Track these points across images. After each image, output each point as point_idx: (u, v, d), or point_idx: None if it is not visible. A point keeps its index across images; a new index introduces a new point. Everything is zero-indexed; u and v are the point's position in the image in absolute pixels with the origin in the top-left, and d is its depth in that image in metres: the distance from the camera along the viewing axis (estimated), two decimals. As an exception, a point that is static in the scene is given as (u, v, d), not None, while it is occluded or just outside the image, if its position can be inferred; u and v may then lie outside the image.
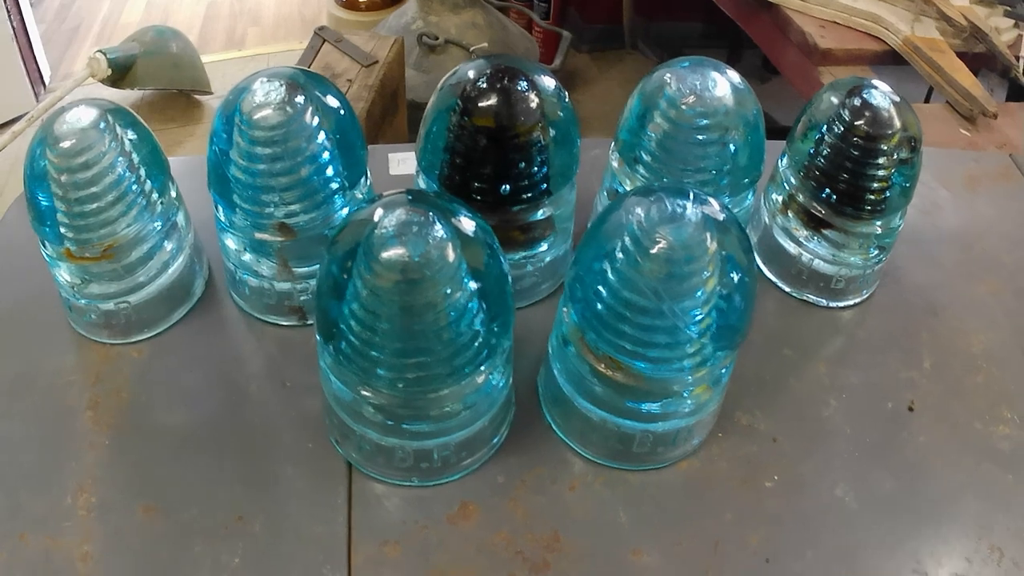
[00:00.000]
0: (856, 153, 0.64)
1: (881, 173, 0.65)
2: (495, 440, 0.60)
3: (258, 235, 0.61)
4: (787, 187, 0.68)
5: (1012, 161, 0.87)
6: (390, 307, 0.51)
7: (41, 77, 2.60)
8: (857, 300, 0.72)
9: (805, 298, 0.72)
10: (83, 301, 0.63)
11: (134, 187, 0.61)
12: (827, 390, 0.67)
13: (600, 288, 0.54)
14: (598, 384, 0.56)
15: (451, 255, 0.51)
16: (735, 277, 0.54)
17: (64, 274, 0.63)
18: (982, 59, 1.24)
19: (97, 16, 3.06)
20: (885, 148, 0.64)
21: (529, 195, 0.61)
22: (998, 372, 0.70)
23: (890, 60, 1.30)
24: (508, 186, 0.60)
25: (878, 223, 0.67)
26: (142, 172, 0.61)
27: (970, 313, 0.74)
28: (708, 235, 0.52)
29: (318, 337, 0.55)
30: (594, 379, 0.56)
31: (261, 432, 0.61)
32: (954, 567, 0.58)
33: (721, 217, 0.54)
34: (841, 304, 0.72)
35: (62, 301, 0.66)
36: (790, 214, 0.69)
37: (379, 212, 0.52)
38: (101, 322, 0.64)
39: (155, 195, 0.62)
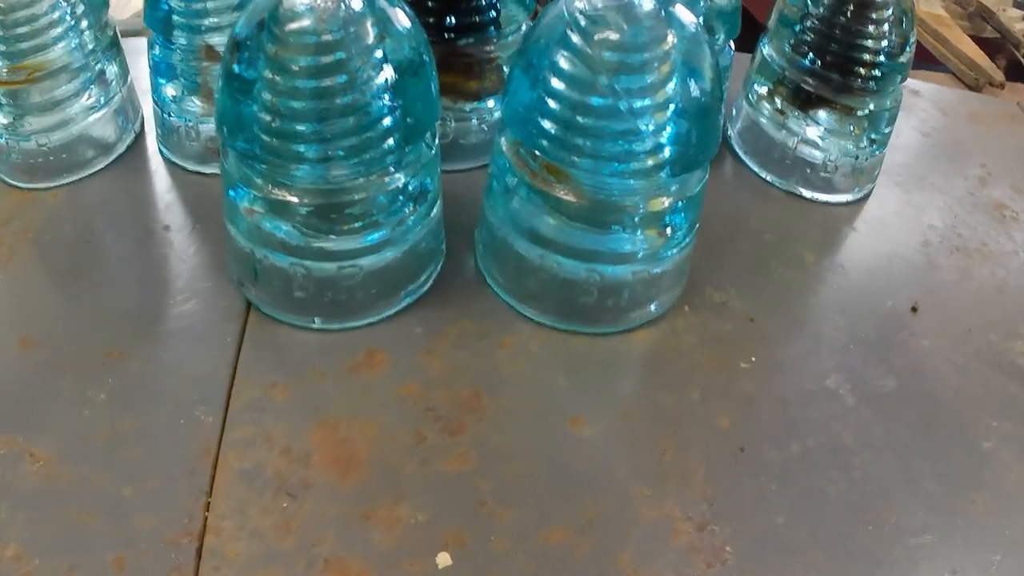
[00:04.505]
0: (844, 19, 0.51)
1: (870, 43, 0.51)
2: (413, 286, 0.45)
3: (192, 62, 0.50)
4: (775, 68, 0.55)
5: (1020, 108, 0.72)
6: (297, 79, 0.38)
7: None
8: (851, 198, 0.57)
9: (792, 190, 0.56)
10: (4, 139, 0.51)
11: (67, 18, 0.50)
12: (815, 278, 0.51)
13: (541, 93, 0.40)
14: (533, 207, 0.42)
15: (368, 28, 0.39)
16: (697, 88, 0.40)
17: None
18: (989, 46, 1.10)
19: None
20: (876, 16, 0.51)
21: (477, 31, 0.49)
22: (1014, 290, 0.54)
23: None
24: (454, 18, 0.48)
25: (871, 102, 0.53)
26: (79, 9, 0.51)
27: (982, 232, 0.57)
28: (667, 28, 0.39)
29: (223, 135, 0.42)
30: (529, 202, 0.42)
31: (160, 270, 0.48)
32: (962, 477, 0.42)
33: (686, 20, 0.41)
34: (832, 199, 0.56)
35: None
36: (777, 99, 0.55)
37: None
38: (21, 163, 0.52)
39: (87, 33, 0.51)
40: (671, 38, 0.40)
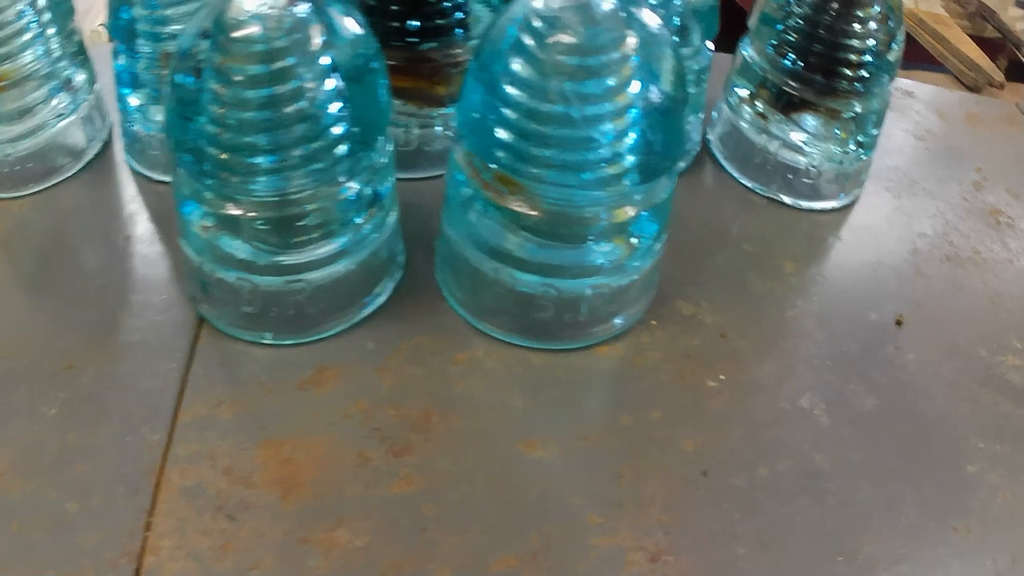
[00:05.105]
0: (829, 18, 0.47)
1: (856, 43, 0.47)
2: (368, 299, 0.42)
3: (155, 71, 0.47)
4: (757, 70, 0.51)
5: (1019, 110, 0.67)
6: (245, 89, 0.36)
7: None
8: (836, 204, 0.52)
9: (775, 197, 0.52)
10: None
11: (34, 26, 0.48)
12: (793, 290, 0.47)
13: (492, 100, 0.37)
14: (488, 219, 0.39)
15: (316, 33, 0.36)
16: (659, 93, 0.37)
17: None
18: (990, 46, 1.03)
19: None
20: (861, 15, 0.47)
21: (442, 34, 0.46)
22: (1007, 300, 0.50)
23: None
24: (417, 21, 0.45)
25: (857, 104, 0.49)
26: (45, 16, 0.49)
27: (975, 239, 0.53)
28: (626, 29, 0.36)
29: (171, 150, 0.39)
30: (485, 215, 0.39)
31: (117, 282, 0.45)
32: (946, 502, 0.38)
33: (648, 20, 0.38)
34: (816, 206, 0.52)
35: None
36: (759, 103, 0.51)
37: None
38: (-14, 173, 0.51)
39: (54, 40, 0.49)
40: (631, 40, 0.36)
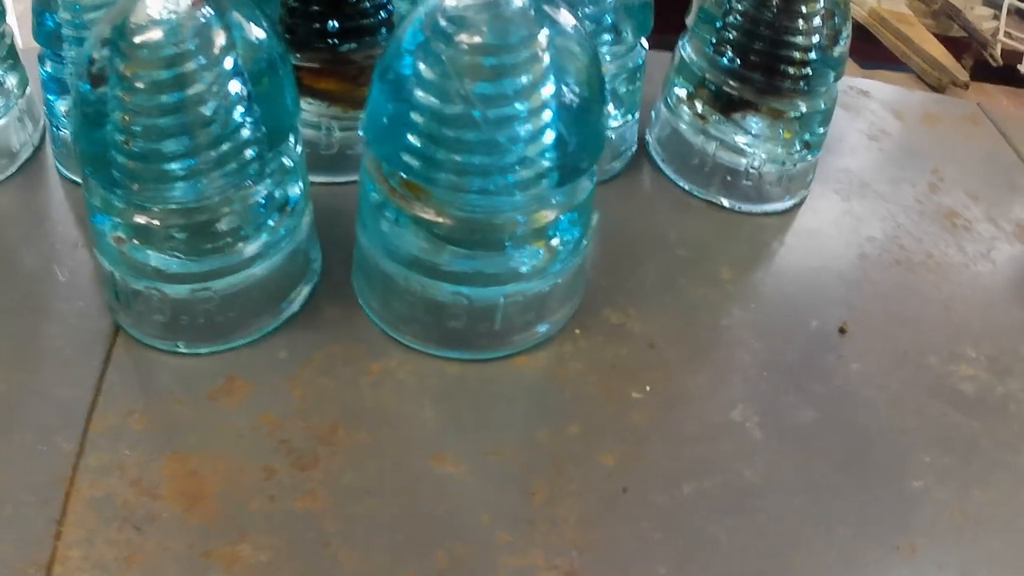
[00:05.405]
0: (771, 15, 0.45)
1: (800, 40, 0.45)
2: (283, 306, 0.41)
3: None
4: (696, 70, 0.49)
5: (980, 109, 0.65)
6: (151, 95, 0.34)
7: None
8: (780, 207, 0.50)
9: (712, 199, 0.50)
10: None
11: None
12: (730, 297, 0.45)
13: (397, 104, 0.35)
14: (399, 227, 0.37)
15: (219, 37, 0.34)
16: (572, 93, 0.35)
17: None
18: (956, 45, 1.01)
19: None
20: (805, 11, 0.45)
21: (365, 35, 0.44)
22: (961, 306, 0.48)
23: (853, 35, 1.07)
24: (337, 22, 0.44)
25: (802, 104, 0.47)
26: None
27: (928, 243, 0.50)
28: (537, 28, 0.34)
29: (83, 166, 0.38)
30: (396, 222, 0.37)
31: (38, 288, 0.44)
32: (888, 519, 0.36)
33: (560, 18, 0.36)
34: (758, 209, 0.50)
35: None
36: (698, 103, 0.49)
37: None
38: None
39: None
40: (541, 38, 0.35)
